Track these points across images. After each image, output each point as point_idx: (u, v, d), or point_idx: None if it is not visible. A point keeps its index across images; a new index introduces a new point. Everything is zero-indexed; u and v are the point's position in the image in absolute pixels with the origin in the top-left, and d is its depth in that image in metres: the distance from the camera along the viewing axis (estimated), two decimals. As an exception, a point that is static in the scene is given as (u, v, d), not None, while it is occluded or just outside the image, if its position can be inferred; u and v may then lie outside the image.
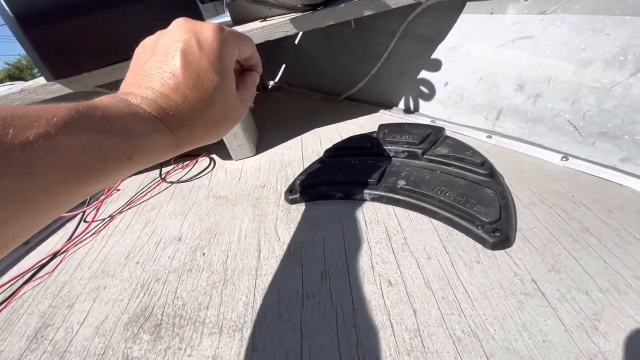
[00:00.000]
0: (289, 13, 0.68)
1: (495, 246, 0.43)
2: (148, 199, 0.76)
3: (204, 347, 0.41)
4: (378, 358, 0.35)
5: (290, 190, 0.62)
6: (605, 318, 0.34)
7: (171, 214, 0.68)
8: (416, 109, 0.83)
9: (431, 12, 0.75)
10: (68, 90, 0.67)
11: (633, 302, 0.35)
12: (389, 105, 0.89)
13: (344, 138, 0.74)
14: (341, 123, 0.88)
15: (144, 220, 0.69)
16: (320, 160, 0.69)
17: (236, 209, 0.65)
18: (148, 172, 0.89)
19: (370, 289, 0.42)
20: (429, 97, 0.79)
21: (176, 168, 0.87)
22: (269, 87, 1.38)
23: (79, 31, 0.61)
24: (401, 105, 0.87)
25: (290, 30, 0.66)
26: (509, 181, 0.54)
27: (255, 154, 0.83)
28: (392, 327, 0.38)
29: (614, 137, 0.50)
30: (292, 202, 0.61)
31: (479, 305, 0.38)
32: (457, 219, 0.47)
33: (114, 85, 0.84)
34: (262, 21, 0.72)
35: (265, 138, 0.92)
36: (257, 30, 0.67)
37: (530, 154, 0.58)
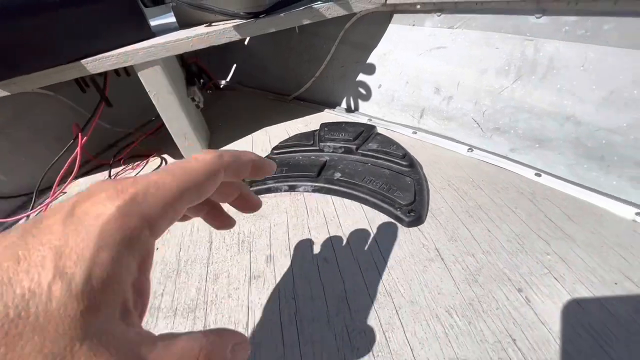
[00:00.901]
0: (233, 19, 0.72)
1: (410, 224, 0.52)
2: (97, 200, 0.77)
3: (160, 329, 0.45)
4: (312, 319, 0.42)
5: (240, 186, 0.67)
6: (483, 273, 0.44)
7: (123, 214, 0.70)
8: (356, 108, 0.91)
9: (365, 22, 0.84)
10: (5, 93, 0.66)
11: (504, 259, 0.45)
12: (332, 104, 0.97)
13: (290, 136, 0.81)
14: (289, 122, 0.94)
15: (95, 221, 0.70)
16: (268, 157, 0.74)
17: (188, 205, 0.68)
18: (95, 174, 0.89)
19: (308, 267, 0.49)
20: (366, 97, 0.88)
21: (126, 169, 0.87)
22: (221, 86, 1.40)
23: (17, 33, 0.61)
24: (343, 104, 0.95)
25: (234, 36, 0.70)
26: (426, 170, 0.64)
27: (207, 153, 0.87)
28: (324, 295, 0.45)
29: (505, 132, 0.62)
30: (242, 196, 0.66)
31: (393, 271, 0.46)
32: (381, 204, 0.56)
33: (57, 87, 0.82)
34: (207, 26, 0.76)
35: (216, 137, 0.95)
36: (202, 35, 0.70)
37: (445, 146, 0.69)
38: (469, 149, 0.66)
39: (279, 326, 0.42)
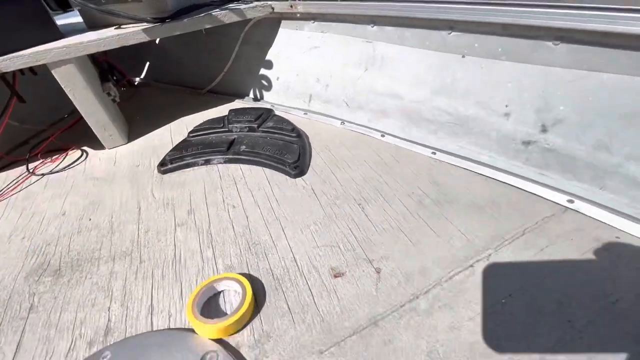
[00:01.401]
0: (141, 23, 0.83)
1: (295, 176, 0.72)
2: (19, 191, 0.82)
3: (102, 271, 0.58)
4: (223, 242, 0.59)
5: (162, 164, 0.80)
6: (339, 198, 0.66)
7: (50, 198, 0.77)
8: (261, 97, 1.09)
9: (261, 26, 1.02)
10: None
11: (354, 189, 0.68)
12: (242, 95, 1.13)
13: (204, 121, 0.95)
14: (204, 111, 1.08)
15: (20, 208, 0.76)
16: (185, 140, 0.88)
17: (115, 185, 0.79)
18: (9, 170, 0.91)
19: (220, 213, 0.66)
20: (268, 88, 1.06)
21: (45, 162, 0.92)
22: (135, 83, 1.45)
23: None
24: (251, 95, 1.12)
25: (143, 38, 0.82)
26: (312, 139, 0.85)
27: (127, 142, 0.96)
28: (233, 229, 0.62)
29: (363, 108, 0.86)
30: (164, 172, 0.79)
31: (284, 207, 0.66)
32: (275, 164, 0.75)
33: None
34: (116, 28, 0.86)
35: (135, 128, 1.04)
36: (112, 37, 0.80)
37: (325, 122, 0.91)
38: (341, 122, 0.89)
39: (199, 250, 0.59)
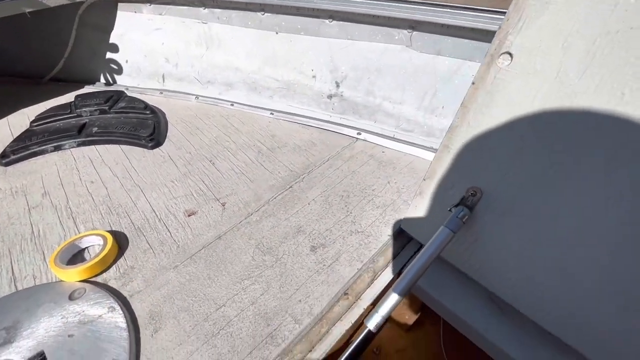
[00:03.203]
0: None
1: (152, 147, 0.81)
2: None
3: None
4: (84, 213, 0.66)
5: (2, 156, 0.77)
6: (193, 157, 0.78)
7: None
8: (114, 81, 1.09)
9: (97, 9, 1.01)
10: None
11: (206, 148, 0.80)
12: (92, 81, 1.11)
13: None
14: (48, 101, 1.02)
15: None
16: (28, 130, 0.85)
17: (-55, 186, 0.74)
18: None
19: (78, 190, 0.71)
20: (118, 71, 1.07)
21: None
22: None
23: None
24: (102, 80, 1.10)
25: (-54, 23, 0.75)
26: (168, 115, 0.93)
27: (-47, 142, 0.87)
28: (93, 200, 0.69)
29: (212, 83, 0.98)
30: (7, 164, 0.77)
31: (142, 175, 0.74)
32: (131, 140, 0.81)
33: None
34: None
35: (-39, 127, 0.93)
36: None
37: (180, 98, 1.00)
38: (196, 98, 0.98)
39: (59, 223, 0.64)
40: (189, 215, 0.64)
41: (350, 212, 0.63)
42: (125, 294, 0.52)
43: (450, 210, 0.47)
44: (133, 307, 0.50)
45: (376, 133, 0.79)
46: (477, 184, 0.46)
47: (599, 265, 0.38)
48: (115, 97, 0.92)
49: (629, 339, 0.37)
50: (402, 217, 0.61)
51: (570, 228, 0.39)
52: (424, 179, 0.52)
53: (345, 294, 0.53)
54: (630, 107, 0.33)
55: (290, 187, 0.69)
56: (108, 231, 0.61)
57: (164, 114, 0.93)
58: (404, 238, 0.59)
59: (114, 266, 0.56)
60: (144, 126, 0.83)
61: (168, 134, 0.86)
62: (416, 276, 0.44)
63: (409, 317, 0.77)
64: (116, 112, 0.89)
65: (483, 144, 0.45)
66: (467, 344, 0.77)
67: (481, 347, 0.51)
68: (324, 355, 0.47)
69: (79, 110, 0.88)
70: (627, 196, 0.35)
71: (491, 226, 0.46)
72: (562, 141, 0.38)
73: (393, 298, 0.43)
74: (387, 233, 0.59)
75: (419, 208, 0.54)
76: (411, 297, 0.72)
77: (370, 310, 0.44)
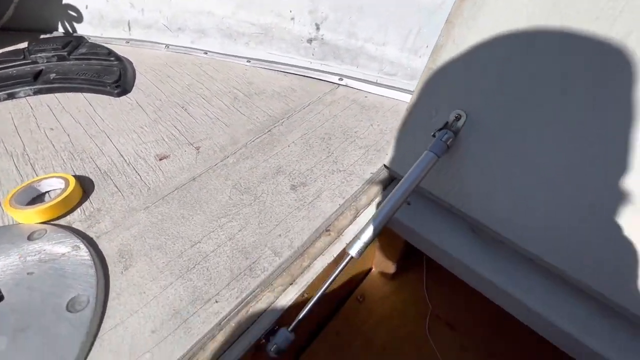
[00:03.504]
0: None
1: (118, 94, 0.75)
2: None
3: None
4: (43, 159, 0.60)
5: (-53, 104, 0.70)
6: (163, 104, 0.73)
7: None
8: (74, 30, 1.00)
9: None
10: None
11: (177, 95, 0.75)
12: (48, 30, 1.01)
13: (1, 60, 0.84)
14: None
15: None
16: (-25, 78, 0.77)
17: None
18: None
19: (37, 137, 0.65)
20: (78, 19, 0.98)
21: None
22: None
23: None
24: (60, 29, 1.01)
25: None
26: (137, 65, 0.86)
27: None
28: (54, 146, 0.63)
29: (184, 30, 0.91)
30: (-47, 112, 0.70)
31: (108, 122, 0.69)
32: (95, 87, 0.75)
33: None
34: None
35: None
36: None
37: (149, 47, 0.92)
38: (166, 47, 0.91)
39: (15, 169, 0.58)
40: (160, 159, 0.60)
41: (332, 153, 0.61)
42: (91, 235, 0.49)
43: (433, 135, 0.45)
44: (100, 246, 0.47)
45: (358, 78, 0.76)
46: (462, 107, 0.44)
47: (581, 187, 0.37)
48: (75, 43, 0.84)
49: (606, 250, 0.37)
50: (385, 155, 0.59)
51: (554, 152, 0.38)
52: (407, 109, 0.50)
53: (327, 230, 0.51)
54: (622, 30, 0.31)
55: (269, 130, 0.66)
56: (72, 176, 0.56)
57: (131, 63, 0.86)
58: (387, 176, 0.57)
59: (78, 209, 0.52)
60: (108, 73, 0.77)
61: (136, 83, 0.80)
62: (400, 200, 0.42)
63: (393, 266, 0.77)
64: (76, 59, 0.81)
65: (468, 63, 0.43)
66: (448, 287, 0.78)
67: (462, 278, 0.51)
68: (304, 288, 0.46)
69: (33, 56, 0.80)
70: (611, 122, 0.34)
71: (475, 152, 0.44)
72: (549, 60, 0.36)
73: (376, 223, 0.42)
74: (369, 171, 0.57)
75: (402, 142, 0.52)
76: (394, 245, 0.72)
77: (352, 235, 0.43)
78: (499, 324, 0.71)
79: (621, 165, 0.35)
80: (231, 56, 0.87)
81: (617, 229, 0.36)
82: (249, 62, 0.85)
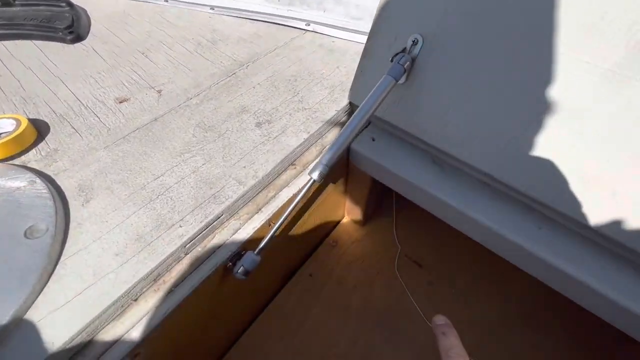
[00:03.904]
0: None
1: (72, 41, 0.71)
2: None
3: None
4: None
5: None
6: (120, 52, 0.69)
7: None
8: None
9: None
10: None
11: (138, 45, 0.72)
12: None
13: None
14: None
15: None
16: None
17: None
18: None
19: (-16, 83, 0.61)
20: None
21: None
22: None
23: None
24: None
25: None
26: (91, 12, 0.81)
27: None
28: (3, 92, 0.60)
29: (141, -24, 0.85)
30: None
31: (62, 68, 0.65)
32: (45, 33, 0.70)
33: None
34: None
35: None
36: None
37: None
38: (123, -6, 0.86)
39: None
40: (120, 102, 0.58)
41: (298, 93, 0.60)
42: (49, 173, 0.47)
43: (391, 60, 0.45)
44: (59, 182, 0.46)
45: (325, 24, 0.75)
46: (419, 31, 0.45)
47: (524, 105, 0.39)
48: (20, -12, 0.77)
49: (539, 160, 0.40)
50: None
51: (503, 72, 0.40)
52: (367, 38, 0.50)
53: (293, 164, 0.52)
54: None
55: (234, 73, 0.64)
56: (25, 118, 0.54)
57: (85, 11, 0.80)
58: (352, 112, 0.58)
59: (33, 149, 0.50)
60: (59, 19, 0.72)
61: (92, 30, 0.75)
62: (360, 123, 0.43)
63: (364, 212, 0.79)
64: (23, 5, 0.76)
65: (424, -16, 0.43)
66: (417, 229, 0.82)
67: (424, 206, 0.53)
68: (270, 216, 0.47)
69: (-26, 1, 0.74)
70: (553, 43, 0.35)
71: (431, 77, 0.45)
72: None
73: (336, 146, 0.43)
74: (334, 109, 0.57)
75: (364, 73, 0.52)
76: (363, 189, 0.74)
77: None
78: (462, 260, 0.76)
79: (554, 81, 0.36)
80: (193, 4, 0.83)
81: (552, 142, 0.39)
82: (213, 9, 0.81)
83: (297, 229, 0.60)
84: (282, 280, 0.72)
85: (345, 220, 0.84)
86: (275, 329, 0.66)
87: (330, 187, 0.63)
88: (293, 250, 0.70)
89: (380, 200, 0.84)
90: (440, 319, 0.29)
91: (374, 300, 0.70)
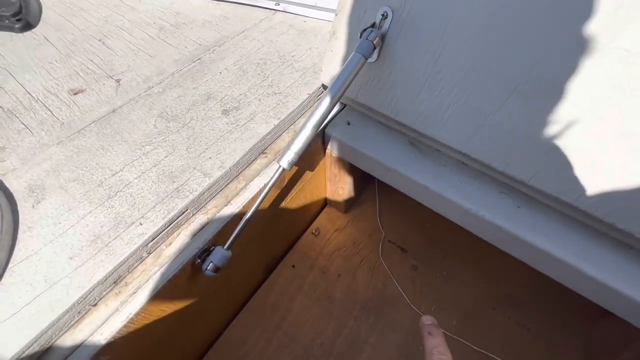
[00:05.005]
0: None
1: (21, 29, 0.65)
2: None
3: None
4: None
5: None
6: (86, 35, 0.64)
7: None
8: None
9: None
10: None
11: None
12: None
13: None
14: None
15: None
16: None
17: None
18: None
19: None
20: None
21: None
22: None
23: None
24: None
25: None
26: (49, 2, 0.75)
27: None
28: (-56, 87, 0.54)
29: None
30: None
31: (10, 58, 0.60)
32: (-10, 21, 0.64)
33: None
34: None
35: None
36: None
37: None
38: (77, -23, 0.80)
39: None
40: (75, 94, 0.54)
41: (267, 77, 0.57)
42: (-5, 174, 0.43)
43: (360, 36, 0.42)
44: (7, 184, 0.42)
45: (296, 2, 0.71)
46: (389, 3, 0.42)
47: (497, 80, 0.37)
48: (-41, -28, 0.70)
49: (519, 138, 0.38)
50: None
51: (471, 47, 0.37)
52: (336, 14, 0.47)
53: (264, 152, 0.49)
54: None
55: (199, 59, 0.61)
56: (-34, 115, 0.49)
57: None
58: (325, 96, 0.55)
59: (-23, 149, 0.46)
60: (4, 4, 0.66)
61: (43, 17, 0.69)
62: (330, 105, 0.41)
63: (346, 199, 0.77)
64: (-36, -9, 0.69)
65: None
66: (400, 215, 0.81)
67: (402, 190, 0.52)
68: (240, 208, 0.44)
69: None
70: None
71: (401, 54, 0.43)
72: None
73: (305, 132, 0.40)
74: (307, 92, 0.54)
75: (334, 52, 0.49)
76: (344, 175, 0.72)
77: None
78: (447, 242, 0.75)
79: (532, 57, 0.34)
80: (156, -14, 0.77)
81: (528, 118, 0.37)
82: (176, -9, 0.76)
83: (276, 220, 0.58)
84: (264, 273, 0.70)
85: (327, 208, 0.82)
86: (258, 323, 0.64)
87: (308, 174, 0.61)
88: (273, 242, 0.67)
89: (362, 186, 0.83)
90: (427, 319, 0.30)
91: (359, 288, 0.69)
